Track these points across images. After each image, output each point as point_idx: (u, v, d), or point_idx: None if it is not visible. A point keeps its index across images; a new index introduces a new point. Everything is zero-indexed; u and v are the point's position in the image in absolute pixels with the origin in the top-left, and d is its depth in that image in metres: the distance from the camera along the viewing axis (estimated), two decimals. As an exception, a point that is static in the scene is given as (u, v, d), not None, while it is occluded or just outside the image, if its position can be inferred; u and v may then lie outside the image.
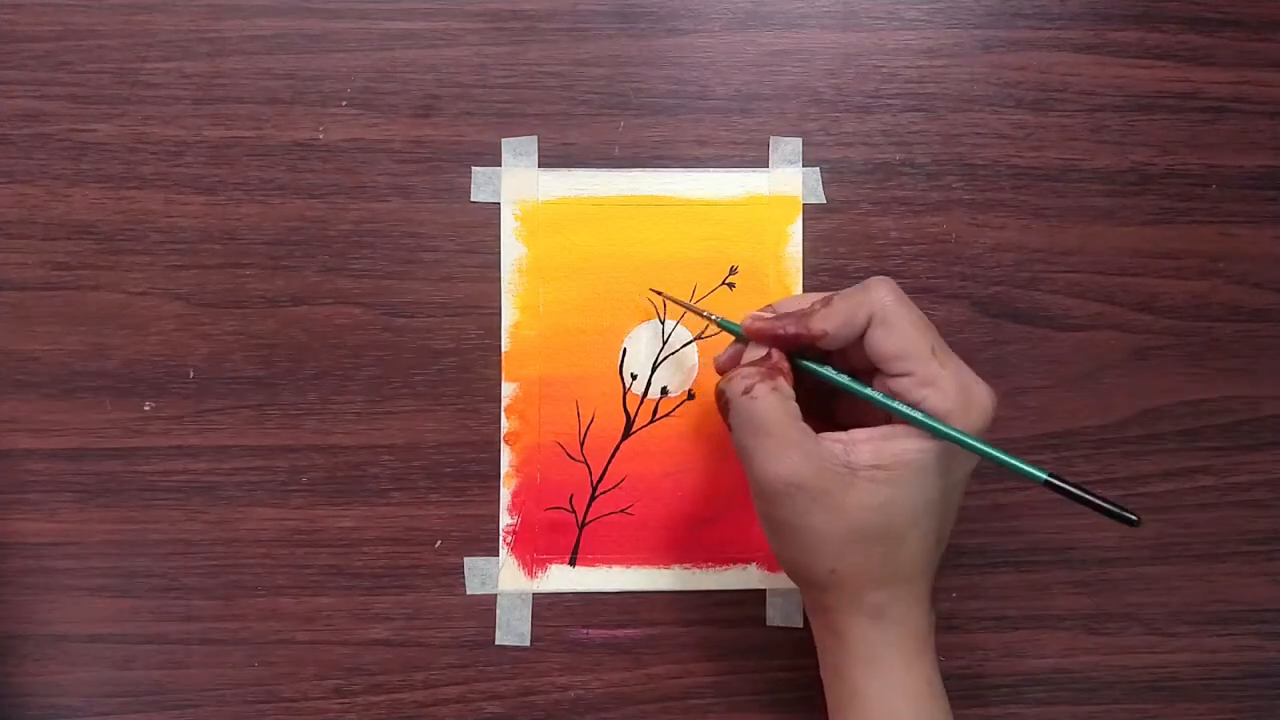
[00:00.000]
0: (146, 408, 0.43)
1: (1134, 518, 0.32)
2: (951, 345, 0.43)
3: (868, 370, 0.36)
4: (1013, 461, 0.33)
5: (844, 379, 0.35)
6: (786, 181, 0.44)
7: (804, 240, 0.44)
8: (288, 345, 0.43)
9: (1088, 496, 0.33)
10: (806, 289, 0.44)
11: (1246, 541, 0.45)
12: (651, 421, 0.44)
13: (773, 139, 0.44)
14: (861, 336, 0.35)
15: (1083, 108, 0.45)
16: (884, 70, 0.44)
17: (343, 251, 0.43)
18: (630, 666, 0.43)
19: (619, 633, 0.43)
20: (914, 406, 0.34)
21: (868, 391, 0.35)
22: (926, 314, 0.44)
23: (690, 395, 0.44)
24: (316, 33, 0.43)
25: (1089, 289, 0.44)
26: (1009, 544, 0.44)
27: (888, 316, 0.34)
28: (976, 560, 0.44)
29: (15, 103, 0.43)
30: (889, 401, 0.34)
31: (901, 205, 0.44)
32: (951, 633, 0.44)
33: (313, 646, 0.43)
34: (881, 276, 0.35)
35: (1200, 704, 0.44)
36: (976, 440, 0.33)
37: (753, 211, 0.44)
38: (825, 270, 0.44)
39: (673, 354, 0.44)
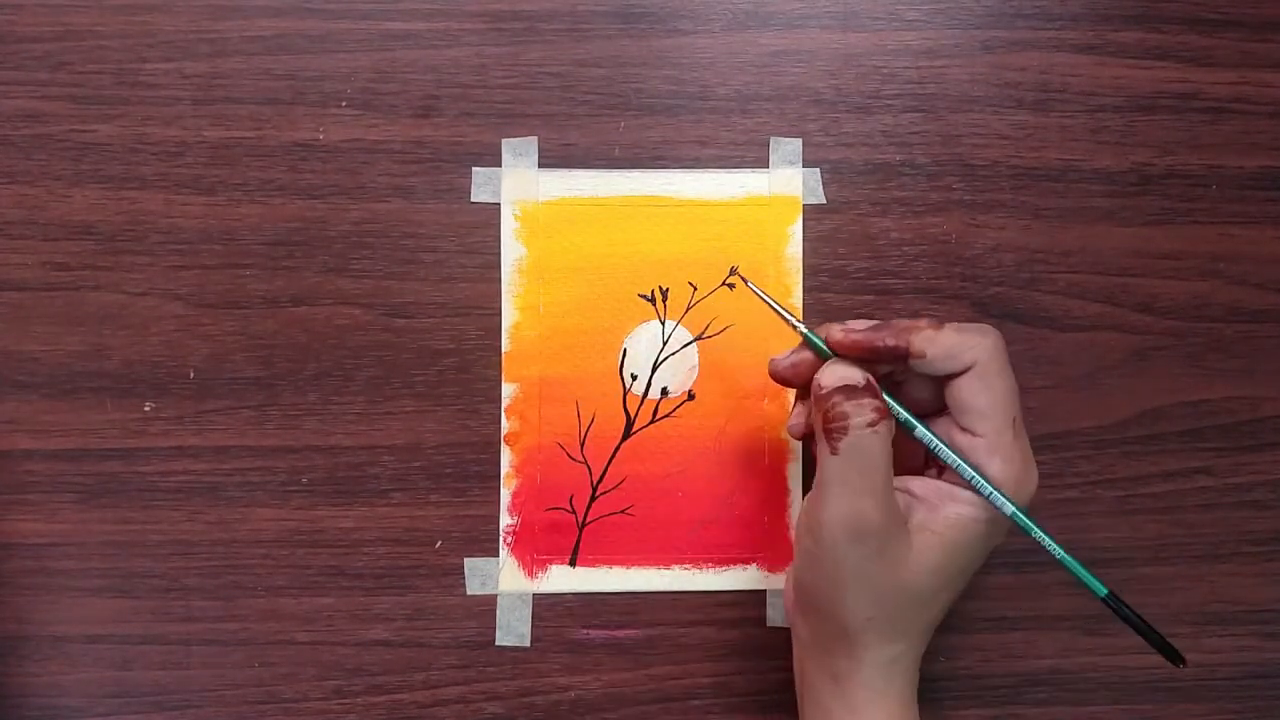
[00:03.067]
0: (147, 408, 0.43)
1: (1182, 659, 0.33)
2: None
3: (923, 410, 0.35)
4: (1078, 569, 0.34)
5: (928, 432, 0.34)
6: (787, 182, 0.44)
7: (804, 241, 0.44)
8: (288, 346, 0.43)
9: (1141, 625, 0.33)
10: (806, 290, 0.44)
11: (1246, 541, 0.45)
12: (652, 422, 0.44)
13: (773, 139, 0.44)
14: (946, 377, 0.34)
15: (1083, 108, 0.45)
16: (884, 70, 0.44)
17: (343, 252, 0.43)
18: (630, 667, 0.43)
19: (619, 633, 0.43)
20: (976, 469, 0.33)
21: (949, 452, 0.34)
22: (925, 314, 0.44)
23: (690, 396, 0.44)
24: (316, 33, 0.43)
25: (1089, 289, 0.44)
26: (1009, 544, 0.44)
27: (989, 371, 0.33)
28: (976, 560, 0.44)
29: (15, 103, 0.43)
30: (969, 471, 0.33)
31: (901, 206, 0.44)
32: (951, 633, 0.44)
33: (313, 647, 0.43)
34: (991, 327, 0.34)
35: (1200, 704, 0.44)
36: (1045, 534, 0.33)
37: (753, 212, 0.44)
38: (825, 271, 0.44)
39: (673, 354, 0.44)
